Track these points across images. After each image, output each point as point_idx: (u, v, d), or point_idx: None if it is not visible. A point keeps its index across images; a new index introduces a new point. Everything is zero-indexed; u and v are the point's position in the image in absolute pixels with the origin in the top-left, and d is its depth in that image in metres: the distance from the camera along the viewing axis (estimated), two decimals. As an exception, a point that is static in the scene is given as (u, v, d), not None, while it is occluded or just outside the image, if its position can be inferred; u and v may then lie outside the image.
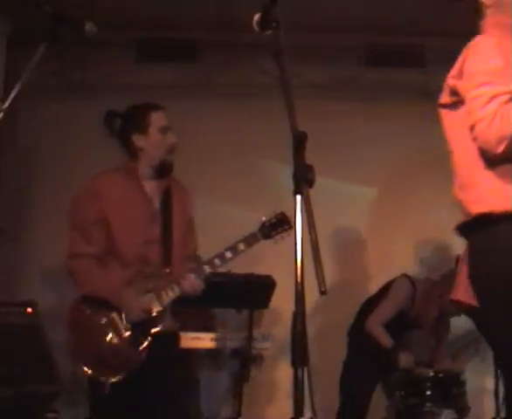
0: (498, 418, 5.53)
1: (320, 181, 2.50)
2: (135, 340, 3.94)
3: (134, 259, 4.05)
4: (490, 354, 4.25)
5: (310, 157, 2.45)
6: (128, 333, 3.95)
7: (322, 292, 2.24)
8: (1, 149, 6.08)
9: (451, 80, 3.19)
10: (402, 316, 5.81)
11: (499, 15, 3.18)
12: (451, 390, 5.28)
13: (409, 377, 5.41)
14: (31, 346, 5.08)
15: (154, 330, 3.97)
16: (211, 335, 5.89)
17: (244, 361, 5.84)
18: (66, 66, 6.86)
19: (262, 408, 6.49)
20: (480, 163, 3.03)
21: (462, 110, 3.10)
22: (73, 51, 6.23)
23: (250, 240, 4.19)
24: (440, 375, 5.31)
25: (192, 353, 5.24)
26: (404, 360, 5.53)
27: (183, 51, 6.88)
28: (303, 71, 6.57)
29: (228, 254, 4.12)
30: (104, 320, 3.96)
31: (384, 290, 5.94)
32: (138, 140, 4.15)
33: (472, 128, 2.97)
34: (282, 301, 5.69)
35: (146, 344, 3.94)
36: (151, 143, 4.14)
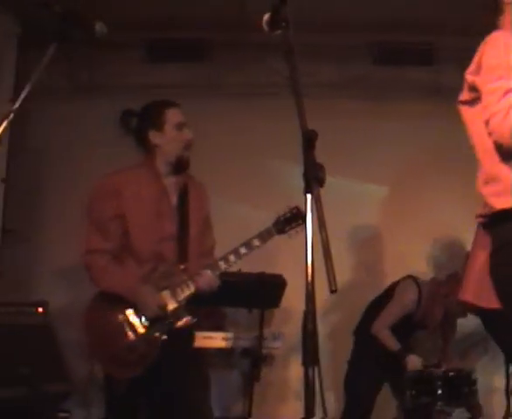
0: (510, 418, 5.52)
1: (330, 180, 2.49)
2: (151, 337, 3.95)
3: (150, 256, 4.06)
4: (500, 353, 4.24)
5: (320, 156, 2.45)
6: (143, 330, 3.96)
7: (333, 291, 2.23)
8: (11, 150, 6.08)
9: (469, 76, 3.18)
10: (408, 318, 5.80)
11: None
12: (462, 389, 5.26)
13: (420, 376, 5.40)
14: (42, 346, 5.10)
15: (169, 326, 3.98)
16: (222, 334, 5.90)
17: (254, 361, 5.85)
18: (75, 67, 6.87)
19: (273, 408, 6.49)
20: (500, 157, 3.02)
21: (480, 106, 3.09)
22: (82, 51, 6.23)
23: (264, 235, 4.18)
24: (451, 374, 5.30)
25: (203, 352, 5.23)
26: (412, 363, 5.53)
27: (192, 51, 6.87)
28: (313, 70, 6.56)
29: (243, 250, 4.11)
30: (120, 317, 3.97)
31: (390, 291, 5.94)
32: (154, 137, 4.16)
33: (487, 123, 2.96)
34: (293, 300, 5.72)
35: (162, 341, 3.95)
36: (167, 140, 4.15)
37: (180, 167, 4.19)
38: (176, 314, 4.02)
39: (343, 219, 6.27)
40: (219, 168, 6.47)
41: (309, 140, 2.46)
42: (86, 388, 5.69)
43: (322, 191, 2.40)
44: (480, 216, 3.20)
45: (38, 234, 6.76)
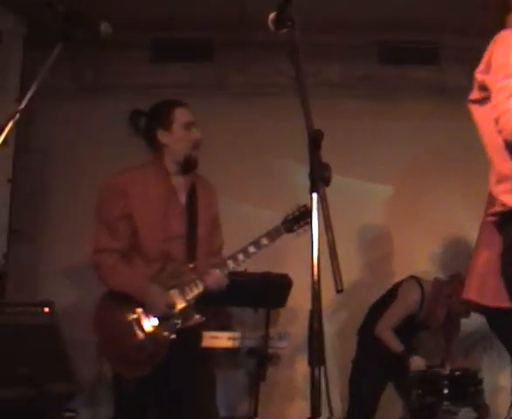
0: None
1: (336, 179, 2.49)
2: (160, 336, 3.96)
3: (158, 255, 4.06)
4: (505, 351, 4.23)
5: (326, 155, 2.45)
6: (152, 329, 3.97)
7: (339, 291, 2.23)
8: (16, 151, 6.09)
9: (479, 75, 3.17)
10: (411, 318, 5.80)
11: None
12: (468, 388, 5.25)
13: (426, 376, 5.40)
14: (47, 346, 5.10)
15: (178, 325, 3.99)
16: (227, 334, 5.90)
17: (260, 360, 5.85)
18: (80, 67, 6.87)
19: (279, 408, 6.48)
20: (510, 156, 3.02)
21: (490, 104, 3.08)
22: (87, 51, 6.24)
23: (273, 234, 4.19)
24: (457, 374, 5.29)
25: (210, 351, 5.24)
26: (415, 364, 5.53)
27: (197, 51, 6.86)
28: (317, 70, 6.55)
29: (251, 248, 4.12)
30: (129, 316, 3.97)
31: (393, 291, 5.94)
32: (162, 137, 4.16)
33: (496, 121, 2.95)
34: (299, 300, 5.71)
35: (170, 340, 3.95)
36: (175, 139, 4.16)
37: (188, 166, 4.20)
38: (185, 313, 4.02)
39: (349, 218, 6.26)
40: (224, 167, 6.46)
41: (315, 140, 2.46)
42: (94, 387, 5.70)
43: (328, 190, 2.40)
44: (492, 214, 3.19)
45: (44, 234, 6.76)
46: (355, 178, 6.80)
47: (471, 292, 3.85)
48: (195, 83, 6.77)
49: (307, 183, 2.42)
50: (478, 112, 3.23)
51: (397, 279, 6.05)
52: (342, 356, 6.15)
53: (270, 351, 5.92)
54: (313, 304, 2.34)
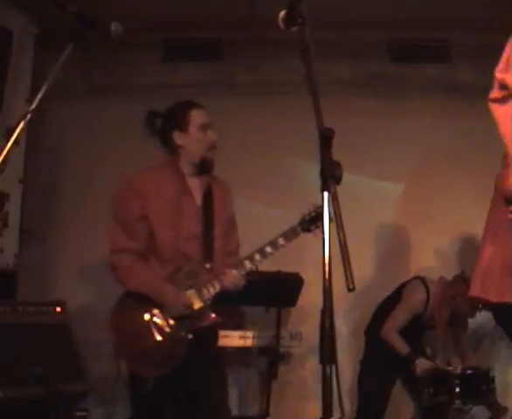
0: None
1: (346, 177, 2.49)
2: (177, 336, 3.97)
3: (174, 256, 4.08)
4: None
5: (337, 154, 2.44)
6: (169, 329, 3.98)
7: (350, 290, 2.23)
8: (28, 151, 6.10)
9: (498, 74, 3.17)
10: (416, 318, 5.80)
11: None
12: (480, 387, 5.25)
13: (437, 375, 5.39)
14: (59, 346, 5.12)
15: (195, 326, 3.99)
16: (239, 333, 5.90)
17: (272, 359, 5.85)
18: (91, 67, 6.88)
19: (290, 407, 6.48)
20: None
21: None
22: (98, 51, 6.24)
23: (289, 234, 4.19)
24: (469, 372, 5.29)
25: (222, 350, 5.24)
26: (421, 367, 5.53)
27: (208, 50, 6.85)
28: (328, 68, 6.55)
29: (268, 249, 4.12)
30: (146, 316, 3.99)
31: (398, 292, 5.95)
32: (178, 138, 4.17)
33: None
34: (311, 299, 5.71)
35: (188, 340, 3.96)
36: (191, 141, 4.16)
37: (204, 168, 4.21)
38: (202, 314, 4.03)
39: (359, 217, 6.24)
40: (235, 166, 6.44)
41: (326, 138, 2.45)
42: (106, 386, 5.70)
43: (338, 189, 2.40)
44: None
45: (55, 234, 6.78)
46: (365, 176, 6.78)
47: (476, 289, 3.85)
48: (206, 82, 6.77)
49: (318, 182, 2.41)
50: (498, 110, 3.22)
51: (408, 278, 6.04)
52: (355, 356, 6.15)
53: (281, 350, 5.92)
54: (324, 303, 2.33)
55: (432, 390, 5.32)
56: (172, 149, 4.22)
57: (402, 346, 5.64)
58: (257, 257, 4.11)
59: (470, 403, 5.23)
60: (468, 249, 6.30)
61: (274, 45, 6.41)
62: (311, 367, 6.33)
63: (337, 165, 2.42)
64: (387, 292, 6.04)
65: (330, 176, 2.39)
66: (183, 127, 4.16)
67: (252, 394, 6.46)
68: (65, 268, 6.65)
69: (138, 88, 6.72)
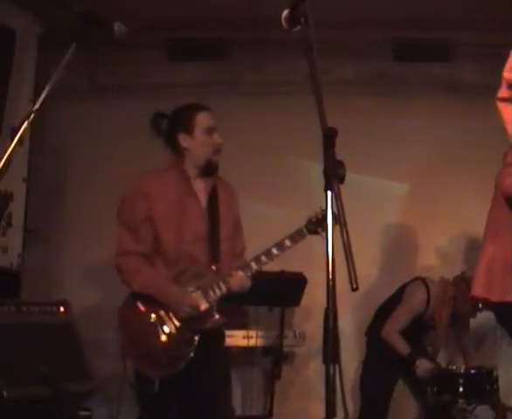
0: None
1: (350, 176, 2.49)
2: (184, 337, 3.98)
3: (179, 258, 4.08)
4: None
5: (340, 153, 2.44)
6: (176, 331, 3.99)
7: (354, 289, 2.23)
8: (31, 150, 6.11)
9: (506, 74, 3.17)
10: (417, 318, 5.80)
11: None
12: (484, 386, 5.24)
13: (441, 374, 5.39)
14: (64, 345, 5.12)
15: (201, 327, 4.00)
16: (242, 333, 5.90)
17: (275, 359, 5.86)
18: (95, 67, 6.88)
19: (294, 406, 6.48)
20: None
21: None
22: (102, 51, 6.23)
23: (296, 236, 4.22)
24: (473, 372, 5.28)
25: (226, 350, 5.25)
26: (422, 368, 5.53)
27: (211, 50, 6.86)
28: (331, 67, 6.55)
29: (274, 250, 4.14)
30: (153, 317, 4.00)
31: (399, 292, 5.95)
32: (184, 141, 4.17)
33: None
34: (314, 298, 5.70)
35: (194, 341, 3.97)
36: (196, 144, 4.16)
37: (209, 170, 4.21)
38: (207, 315, 4.04)
39: (363, 216, 6.23)
40: (238, 166, 6.43)
41: (329, 138, 2.45)
42: (114, 386, 5.71)
43: (342, 188, 2.40)
44: None
45: (59, 233, 6.79)
46: (369, 176, 6.78)
47: (477, 289, 3.85)
48: (209, 82, 6.77)
49: (321, 181, 2.41)
50: (506, 110, 3.22)
51: (411, 276, 6.04)
52: (359, 355, 6.15)
53: (285, 350, 5.92)
54: (328, 302, 2.33)
55: (435, 389, 5.32)
56: (177, 151, 4.22)
57: (403, 347, 5.64)
58: (263, 259, 4.12)
59: (474, 403, 5.23)
60: (474, 249, 6.26)
61: (278, 45, 6.42)
62: (315, 367, 6.33)
63: (340, 164, 2.41)
64: (391, 292, 6.04)
65: (333, 175, 2.39)
66: (189, 130, 4.16)
67: (256, 394, 6.45)
68: (70, 267, 6.66)
69: (142, 88, 6.73)
